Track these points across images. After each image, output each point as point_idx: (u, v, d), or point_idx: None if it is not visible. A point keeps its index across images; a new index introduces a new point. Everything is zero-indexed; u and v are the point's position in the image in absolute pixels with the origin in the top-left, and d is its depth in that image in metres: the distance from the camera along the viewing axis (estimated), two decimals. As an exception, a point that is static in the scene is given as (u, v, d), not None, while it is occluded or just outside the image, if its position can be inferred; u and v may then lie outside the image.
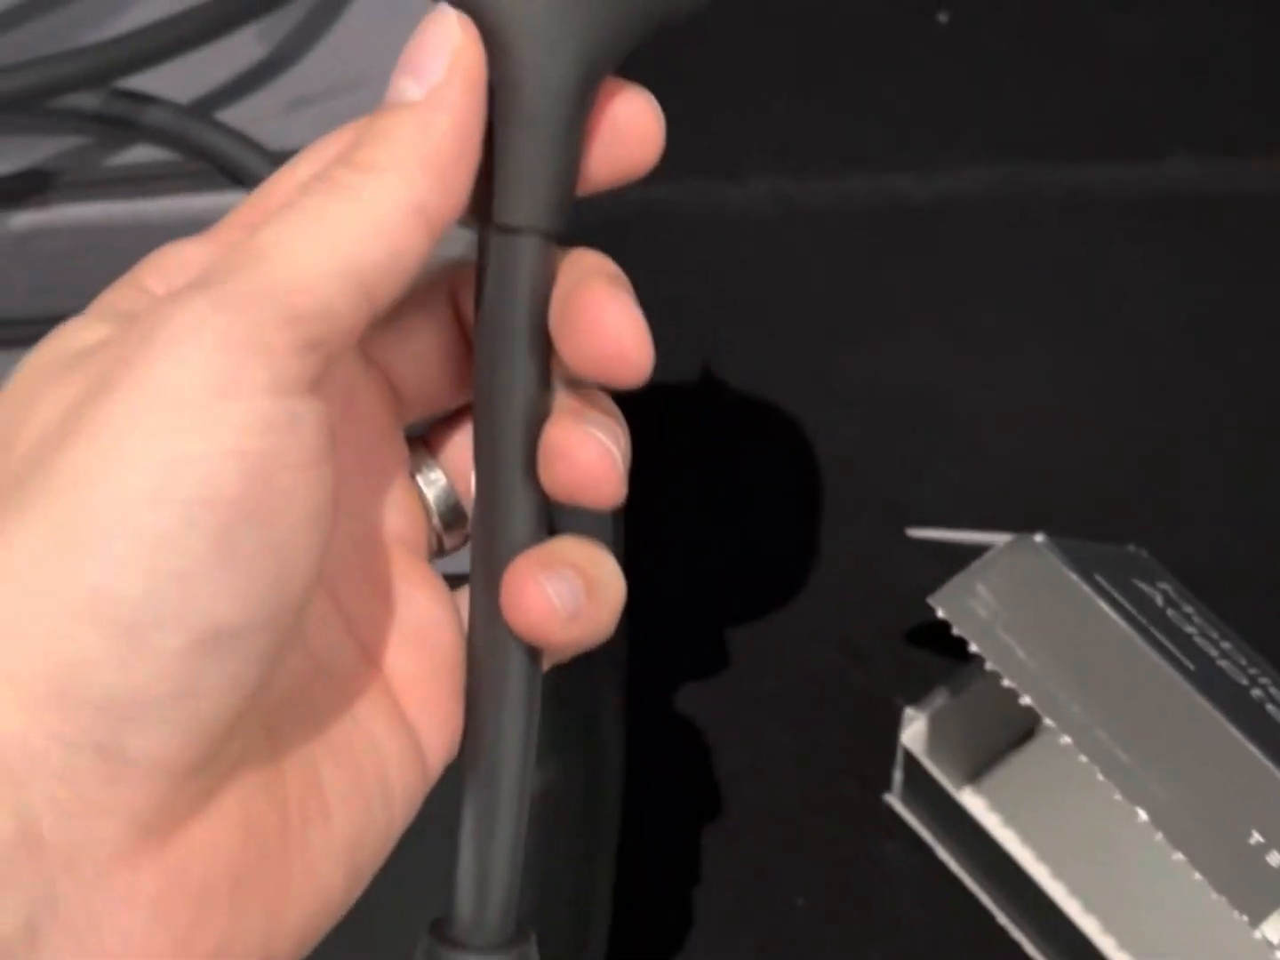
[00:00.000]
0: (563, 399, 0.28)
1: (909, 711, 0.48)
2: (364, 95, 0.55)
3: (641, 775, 0.48)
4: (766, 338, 0.59)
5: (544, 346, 0.28)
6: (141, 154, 0.51)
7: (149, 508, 0.23)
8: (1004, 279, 0.60)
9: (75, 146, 0.51)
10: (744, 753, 0.51)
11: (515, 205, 0.27)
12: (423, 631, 0.28)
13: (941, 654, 0.51)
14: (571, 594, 0.27)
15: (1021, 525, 0.48)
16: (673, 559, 0.54)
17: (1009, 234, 0.61)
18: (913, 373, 0.58)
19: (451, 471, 0.30)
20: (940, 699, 0.48)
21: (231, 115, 0.53)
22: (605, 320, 0.26)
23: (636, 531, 0.45)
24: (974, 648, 0.44)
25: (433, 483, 0.30)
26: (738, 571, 0.54)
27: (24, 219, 0.49)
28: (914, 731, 0.48)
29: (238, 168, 0.52)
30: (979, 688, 0.47)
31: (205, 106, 0.53)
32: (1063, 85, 0.64)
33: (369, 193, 0.25)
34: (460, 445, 0.30)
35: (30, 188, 0.49)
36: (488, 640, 0.28)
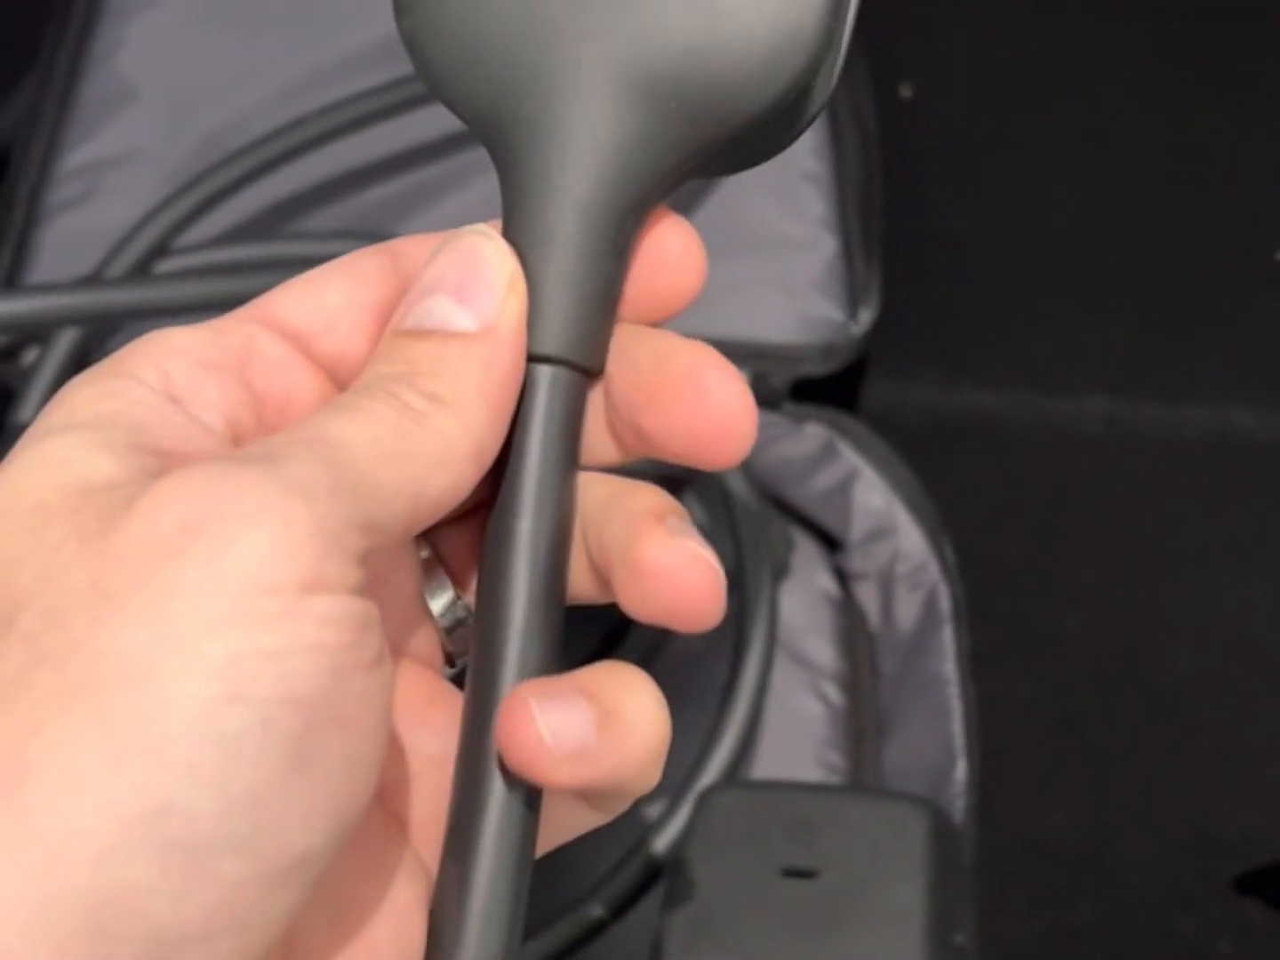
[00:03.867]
0: (628, 496, 0.25)
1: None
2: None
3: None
4: (1094, 559, 0.59)
5: (569, 478, 0.25)
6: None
7: (223, 708, 0.20)
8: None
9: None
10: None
11: (545, 334, 0.25)
12: (442, 763, 0.25)
13: (1270, 904, 0.50)
14: (573, 727, 0.23)
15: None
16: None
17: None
18: (1243, 609, 0.57)
19: (459, 577, 0.27)
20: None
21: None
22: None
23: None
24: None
25: (437, 593, 0.27)
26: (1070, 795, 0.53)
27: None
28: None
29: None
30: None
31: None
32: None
33: (436, 426, 0.23)
34: (468, 548, 0.27)
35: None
36: (472, 775, 0.24)
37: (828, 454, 0.54)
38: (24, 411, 0.52)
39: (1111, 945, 0.51)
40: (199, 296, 0.54)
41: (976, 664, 0.51)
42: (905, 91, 0.71)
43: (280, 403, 0.25)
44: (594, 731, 0.23)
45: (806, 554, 0.57)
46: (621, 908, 0.46)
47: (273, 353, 0.25)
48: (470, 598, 0.26)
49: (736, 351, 0.55)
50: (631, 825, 0.49)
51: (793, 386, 0.56)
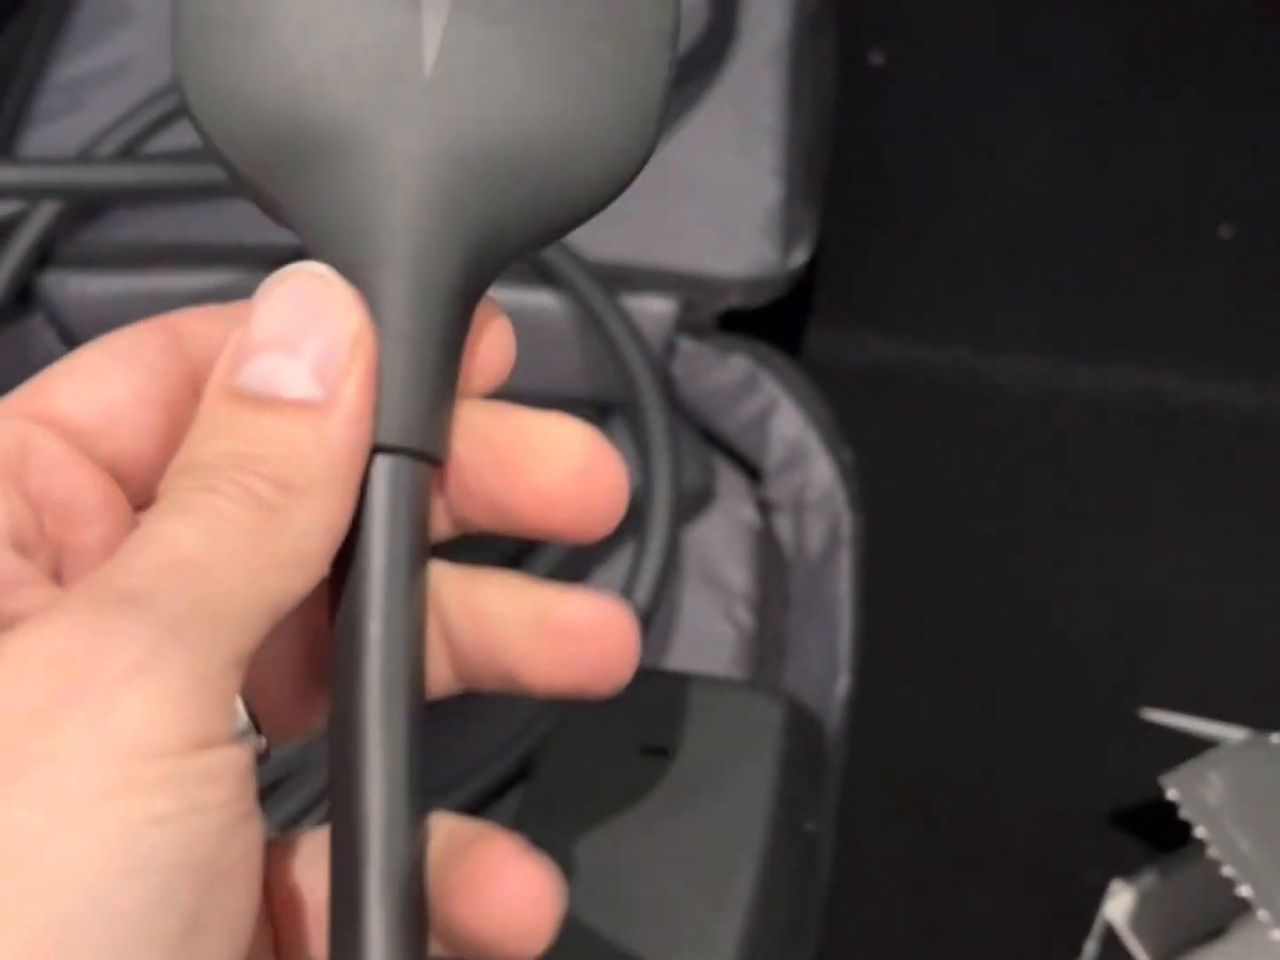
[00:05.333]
0: (481, 580, 0.24)
1: (1116, 884, 0.48)
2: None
3: (841, 916, 0.49)
4: (1010, 518, 0.60)
5: (420, 575, 0.23)
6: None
7: (120, 883, 0.18)
8: (1266, 494, 0.61)
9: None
10: (943, 903, 0.52)
11: (386, 422, 0.22)
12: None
13: (1145, 839, 0.52)
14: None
15: (1261, 725, 0.48)
16: (905, 702, 0.55)
17: (1274, 454, 0.62)
18: (1156, 568, 0.59)
19: (247, 688, 0.23)
20: (1149, 878, 0.48)
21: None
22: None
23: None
24: (1199, 832, 0.44)
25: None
26: (960, 731, 0.55)
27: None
28: (1118, 905, 0.48)
29: (549, 269, 0.56)
30: (1191, 873, 0.48)
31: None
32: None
33: (293, 520, 0.21)
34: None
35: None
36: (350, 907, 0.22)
37: (750, 384, 0.57)
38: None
39: (984, 872, 0.53)
40: (186, 179, 0.55)
41: (875, 599, 0.53)
42: (876, 58, 0.73)
43: (61, 508, 0.23)
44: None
45: (731, 484, 0.59)
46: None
47: (51, 453, 0.23)
48: (258, 704, 0.24)
49: (664, 279, 0.57)
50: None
51: (724, 321, 0.58)
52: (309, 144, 0.23)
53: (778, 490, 0.57)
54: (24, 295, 0.57)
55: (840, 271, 0.65)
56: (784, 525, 0.58)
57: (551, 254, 0.54)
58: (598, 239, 0.57)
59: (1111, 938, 0.48)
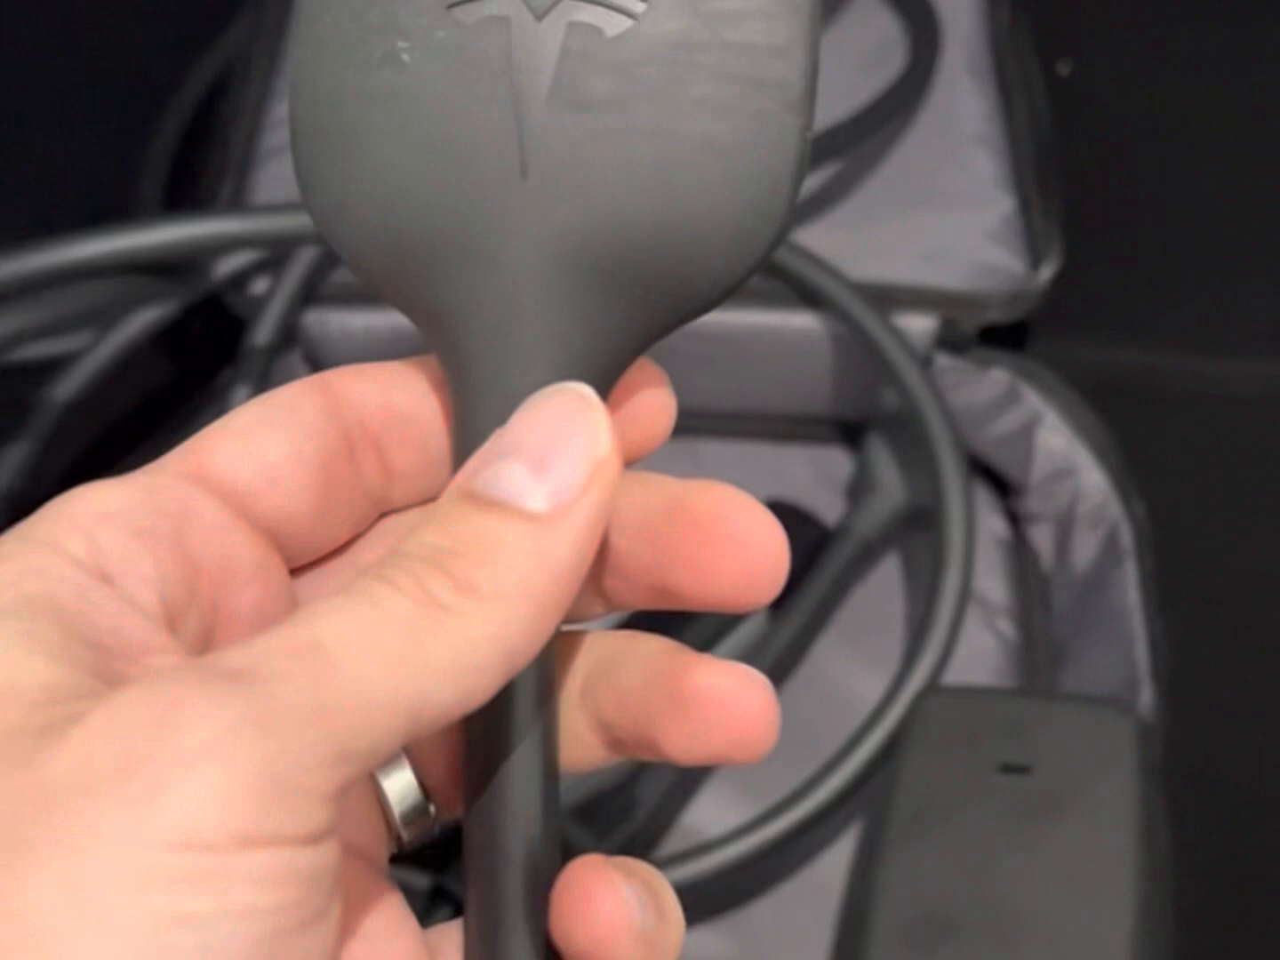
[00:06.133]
0: (635, 644, 0.23)
1: None
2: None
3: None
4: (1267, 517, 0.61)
5: (553, 740, 0.23)
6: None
7: None
8: None
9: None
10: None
11: None
12: None
13: None
14: (643, 908, 0.22)
15: None
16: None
17: None
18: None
19: (417, 759, 0.24)
20: None
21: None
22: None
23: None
24: None
25: (392, 775, 0.24)
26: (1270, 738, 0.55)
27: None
28: None
29: (814, 290, 0.56)
30: None
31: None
32: None
33: (462, 626, 0.20)
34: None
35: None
36: None
37: (1010, 398, 0.57)
38: (258, 336, 0.55)
39: None
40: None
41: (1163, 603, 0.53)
42: (1063, 69, 0.73)
43: (217, 572, 0.22)
44: (654, 917, 0.22)
45: (978, 498, 0.59)
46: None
47: (210, 515, 0.22)
48: (429, 778, 0.24)
49: (925, 298, 0.57)
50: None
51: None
52: (418, 255, 0.22)
53: (1038, 503, 0.57)
54: (286, 333, 0.57)
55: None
56: (1042, 537, 0.58)
57: (819, 276, 0.55)
58: (849, 261, 0.57)
59: None
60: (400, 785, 0.24)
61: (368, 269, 0.23)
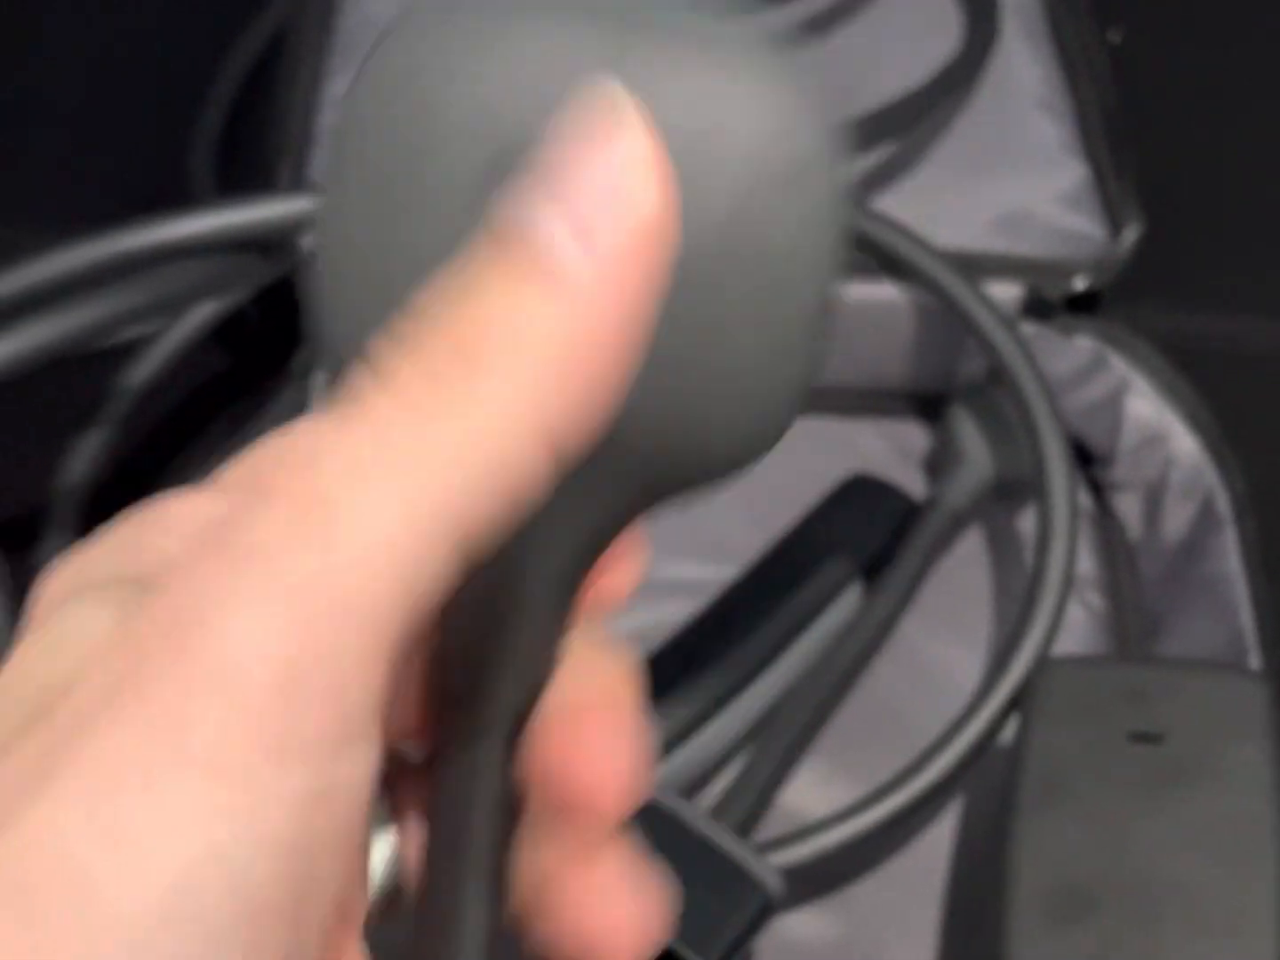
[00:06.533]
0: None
1: None
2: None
3: None
4: None
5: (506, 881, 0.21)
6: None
7: (159, 932, 0.15)
8: None
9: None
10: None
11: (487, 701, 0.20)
12: None
13: None
14: None
15: None
16: None
17: None
18: None
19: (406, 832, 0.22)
20: None
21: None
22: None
23: None
24: None
25: (380, 839, 0.22)
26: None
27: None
28: None
29: (898, 260, 0.55)
30: None
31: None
32: None
33: (480, 410, 0.16)
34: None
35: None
36: None
37: (1097, 365, 0.56)
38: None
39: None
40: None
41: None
42: (1114, 37, 0.72)
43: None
44: None
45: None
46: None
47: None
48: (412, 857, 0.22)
49: (1011, 265, 0.56)
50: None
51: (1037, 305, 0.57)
52: None
53: (1125, 471, 0.57)
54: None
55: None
56: (1129, 506, 0.57)
57: (906, 245, 0.54)
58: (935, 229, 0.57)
59: None
60: (383, 851, 0.22)
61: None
